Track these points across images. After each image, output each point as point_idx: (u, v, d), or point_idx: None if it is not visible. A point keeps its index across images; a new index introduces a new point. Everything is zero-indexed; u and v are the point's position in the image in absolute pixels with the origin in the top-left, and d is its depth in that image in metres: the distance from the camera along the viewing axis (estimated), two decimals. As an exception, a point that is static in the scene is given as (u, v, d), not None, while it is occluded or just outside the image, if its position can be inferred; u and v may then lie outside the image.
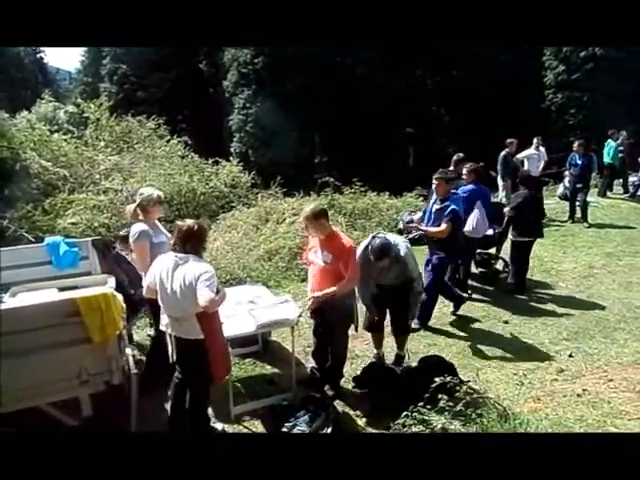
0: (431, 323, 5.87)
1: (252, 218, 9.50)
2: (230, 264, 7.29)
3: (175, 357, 3.58)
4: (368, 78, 18.11)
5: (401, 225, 8.27)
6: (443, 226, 5.29)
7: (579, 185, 10.07)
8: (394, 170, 18.53)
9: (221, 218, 10.01)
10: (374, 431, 3.98)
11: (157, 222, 4.44)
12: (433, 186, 5.51)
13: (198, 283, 3.27)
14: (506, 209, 6.90)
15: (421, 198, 10.20)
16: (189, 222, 3.48)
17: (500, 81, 17.00)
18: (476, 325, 5.90)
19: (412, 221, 5.46)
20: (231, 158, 13.92)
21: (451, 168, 6.99)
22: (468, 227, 6.16)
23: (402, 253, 4.38)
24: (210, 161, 12.43)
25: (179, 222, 3.57)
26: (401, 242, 4.46)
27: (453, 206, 5.32)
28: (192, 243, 3.40)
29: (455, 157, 7.15)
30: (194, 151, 12.89)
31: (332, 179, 10.32)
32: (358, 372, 4.65)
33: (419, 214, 5.93)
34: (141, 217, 4.32)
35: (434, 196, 5.59)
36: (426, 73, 18.34)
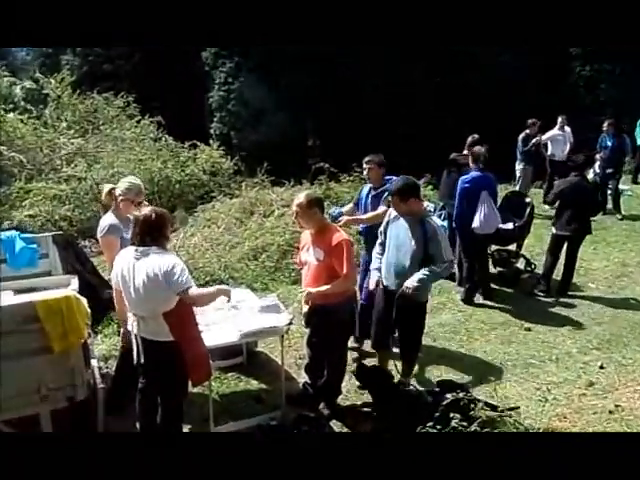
0: (441, 330, 5.91)
1: (235, 210, 9.50)
2: (210, 263, 7.30)
3: (140, 360, 3.60)
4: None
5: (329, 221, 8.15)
6: (381, 209, 5.17)
7: (609, 170, 10.14)
8: (396, 153, 18.64)
9: (199, 210, 10.01)
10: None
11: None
12: (365, 172, 5.47)
13: (166, 278, 3.31)
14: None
15: (430, 186, 10.23)
16: (146, 211, 3.52)
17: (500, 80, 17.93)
18: (493, 333, 5.94)
19: (342, 214, 5.38)
20: (211, 141, 13.85)
21: (465, 152, 7.02)
22: (476, 223, 6.17)
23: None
24: (187, 144, 12.41)
25: (135, 212, 3.65)
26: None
27: None
28: (152, 234, 3.45)
29: (470, 138, 7.16)
30: (168, 133, 12.85)
31: (327, 165, 10.32)
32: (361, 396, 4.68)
33: (349, 206, 5.79)
34: (114, 208, 4.34)
35: (367, 185, 5.55)
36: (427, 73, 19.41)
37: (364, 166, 5.43)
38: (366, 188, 5.52)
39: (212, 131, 22.70)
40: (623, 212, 10.15)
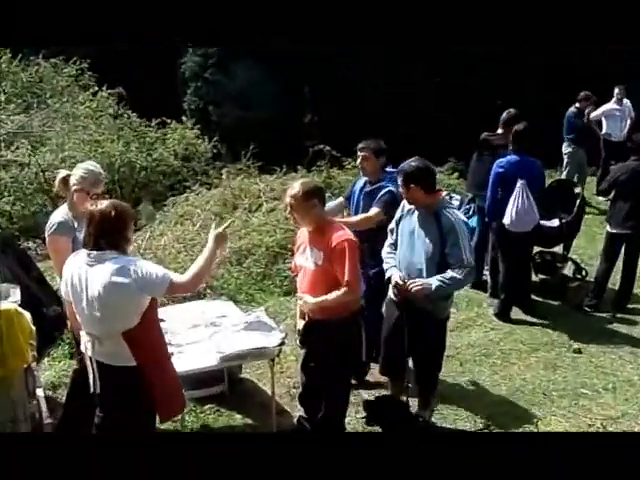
0: (470, 353, 5.92)
1: (214, 204, 9.52)
2: (182, 270, 7.28)
3: (96, 389, 3.61)
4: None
5: None
6: (373, 210, 5.12)
7: None
8: (396, 152, 19.11)
9: (170, 203, 10.03)
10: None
11: None
12: (358, 161, 5.42)
13: (138, 285, 3.29)
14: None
15: (455, 174, 10.26)
16: (103, 206, 3.48)
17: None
18: (535, 356, 5.95)
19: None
20: (184, 118, 13.92)
21: (499, 131, 7.01)
22: (507, 218, 6.17)
23: None
24: (154, 122, 12.46)
25: (90, 205, 3.60)
26: None
27: (391, 187, 5.17)
28: (109, 235, 3.40)
29: (505, 114, 7.11)
30: (131, 108, 12.89)
31: (328, 147, 10.35)
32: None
33: (337, 200, 5.72)
34: (68, 201, 4.35)
35: (362, 177, 5.47)
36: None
37: (358, 154, 5.36)
38: (361, 181, 5.47)
39: (185, 106, 22.72)
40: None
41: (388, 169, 5.30)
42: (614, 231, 6.64)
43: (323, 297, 4.11)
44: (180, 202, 9.96)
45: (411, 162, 4.53)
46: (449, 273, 4.28)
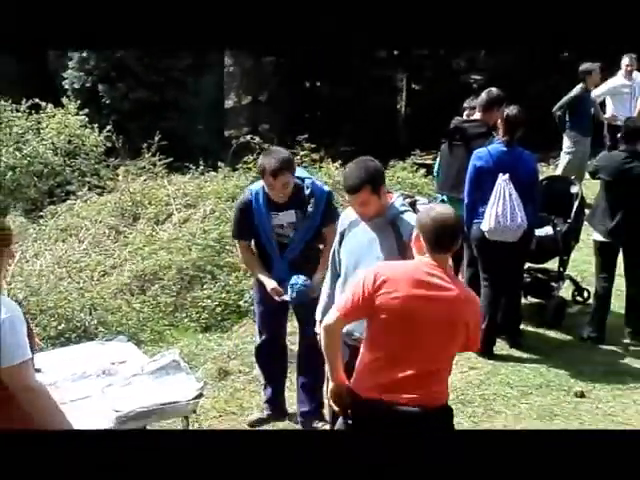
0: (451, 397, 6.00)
1: (108, 214, 9.48)
2: (66, 302, 7.22)
3: None
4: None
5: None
6: None
7: None
8: (374, 118, 19.26)
9: (48, 214, 9.94)
10: None
11: None
12: None
13: None
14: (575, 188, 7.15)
15: (421, 171, 10.45)
16: None
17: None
18: (526, 402, 6.06)
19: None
20: (65, 100, 13.76)
21: (477, 116, 7.11)
22: (486, 224, 6.25)
23: None
24: (24, 105, 12.31)
25: None
26: None
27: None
28: None
29: (484, 95, 7.14)
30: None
31: (257, 138, 10.42)
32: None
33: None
34: None
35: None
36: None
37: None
38: None
39: (67, 84, 22.43)
40: None
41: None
42: (603, 240, 6.79)
43: None
44: (62, 212, 9.87)
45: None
46: None
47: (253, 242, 5.64)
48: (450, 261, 4.32)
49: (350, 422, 3.97)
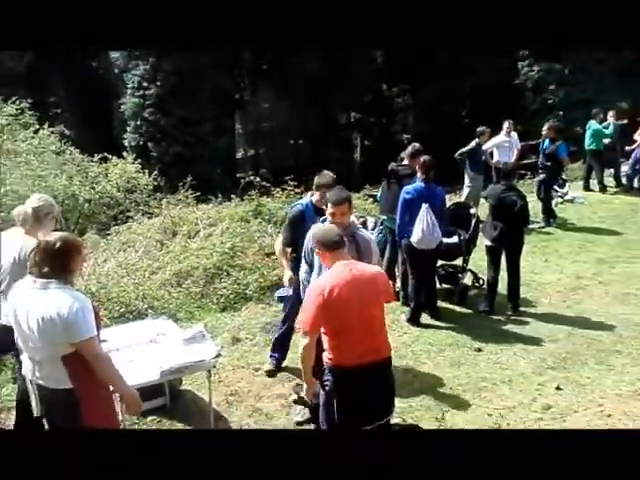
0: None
1: (155, 231, 9.41)
2: (125, 293, 7.15)
3: (40, 412, 3.50)
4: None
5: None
6: None
7: (542, 176, 10.64)
8: (338, 165, 19.36)
9: (113, 232, 9.85)
10: None
11: None
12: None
13: (62, 323, 3.20)
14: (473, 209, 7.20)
15: (369, 200, 10.44)
16: (50, 238, 3.40)
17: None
18: (442, 355, 6.06)
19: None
20: (125, 153, 13.69)
21: (405, 162, 7.19)
22: (414, 237, 6.37)
23: None
24: (96, 158, 12.22)
25: (40, 238, 3.57)
26: None
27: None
28: (52, 265, 3.29)
29: (410, 148, 7.30)
30: (74, 145, 12.60)
31: (258, 179, 10.38)
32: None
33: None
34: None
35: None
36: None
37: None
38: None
39: (126, 142, 22.37)
40: (575, 221, 10.63)
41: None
42: (491, 244, 6.91)
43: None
44: (123, 231, 9.80)
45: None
46: None
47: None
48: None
49: (328, 386, 3.81)
